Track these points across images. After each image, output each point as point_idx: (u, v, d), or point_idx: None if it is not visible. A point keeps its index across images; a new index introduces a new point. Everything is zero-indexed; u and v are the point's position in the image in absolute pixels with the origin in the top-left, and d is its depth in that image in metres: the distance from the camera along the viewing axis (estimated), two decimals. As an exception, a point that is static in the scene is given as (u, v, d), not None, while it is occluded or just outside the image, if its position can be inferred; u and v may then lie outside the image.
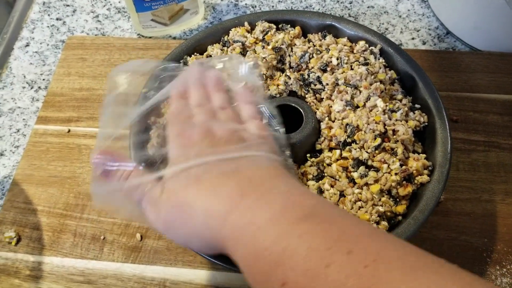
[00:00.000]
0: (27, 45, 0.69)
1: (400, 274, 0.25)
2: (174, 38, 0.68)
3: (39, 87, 0.64)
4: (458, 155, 0.55)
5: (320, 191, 0.45)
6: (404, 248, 0.28)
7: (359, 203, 0.44)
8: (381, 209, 0.43)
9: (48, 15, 0.72)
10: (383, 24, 0.69)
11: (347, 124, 0.46)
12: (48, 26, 0.71)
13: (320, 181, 0.45)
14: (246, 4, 0.71)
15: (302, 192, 0.33)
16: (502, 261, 0.49)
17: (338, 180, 0.45)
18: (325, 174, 0.46)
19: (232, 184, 0.33)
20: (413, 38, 0.67)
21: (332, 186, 0.45)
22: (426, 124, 0.47)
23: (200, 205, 0.33)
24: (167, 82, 0.44)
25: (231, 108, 0.41)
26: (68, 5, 0.73)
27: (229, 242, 0.31)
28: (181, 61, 0.53)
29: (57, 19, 0.72)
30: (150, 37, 0.67)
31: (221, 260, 0.40)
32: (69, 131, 0.58)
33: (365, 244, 0.27)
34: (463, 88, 0.60)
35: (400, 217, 0.44)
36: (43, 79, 0.65)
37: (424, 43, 0.66)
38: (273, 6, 0.71)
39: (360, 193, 0.44)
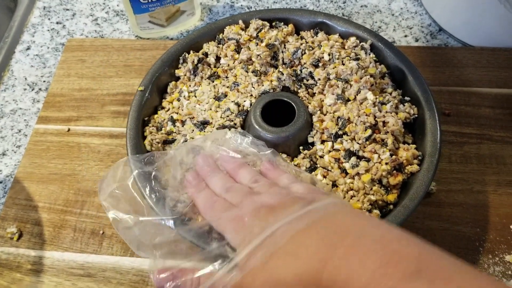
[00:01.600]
0: (28, 48, 0.70)
1: None
2: (171, 39, 0.69)
3: (40, 89, 0.66)
4: (450, 148, 0.56)
5: (313, 183, 0.46)
6: None
7: (351, 193, 0.45)
8: (372, 197, 0.44)
9: (49, 19, 0.74)
10: (376, 22, 0.70)
11: (338, 117, 0.48)
12: (48, 30, 0.72)
13: (313, 172, 0.46)
14: (241, 5, 0.73)
15: (398, 236, 0.29)
16: (495, 250, 0.50)
17: (331, 171, 0.46)
18: (318, 165, 0.47)
19: (316, 238, 0.30)
20: (406, 36, 0.68)
21: (324, 176, 0.46)
22: (416, 116, 0.48)
23: (289, 273, 0.30)
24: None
25: (263, 179, 0.39)
26: (67, 9, 0.75)
27: None
28: (180, 57, 0.54)
29: (57, 22, 0.73)
30: (148, 39, 0.69)
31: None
32: (68, 130, 0.59)
33: None
34: (455, 83, 0.61)
35: (391, 206, 0.45)
36: (44, 81, 0.66)
37: (417, 40, 0.68)
38: (268, 7, 0.72)
39: (352, 183, 0.45)
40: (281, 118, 0.48)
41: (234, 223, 0.35)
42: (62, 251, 0.51)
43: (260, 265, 0.31)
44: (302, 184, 0.38)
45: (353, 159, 0.45)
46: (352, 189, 0.45)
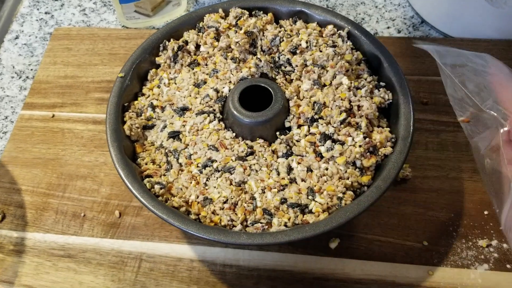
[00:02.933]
0: (17, 37, 0.71)
1: None
2: (157, 29, 0.70)
3: (27, 77, 0.67)
4: (427, 136, 0.57)
5: (290, 168, 0.47)
6: None
7: (324, 178, 0.46)
8: (348, 182, 0.45)
9: (37, 9, 0.75)
10: (359, 14, 0.71)
11: (314, 102, 0.49)
12: (37, 20, 0.73)
13: (289, 158, 0.47)
14: (227, -4, 0.74)
15: None
16: (468, 235, 0.51)
17: (305, 155, 0.47)
18: (293, 152, 0.48)
19: None
20: (388, 27, 0.69)
21: (299, 163, 0.47)
22: (391, 101, 0.49)
23: None
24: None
25: None
26: (56, 0, 0.76)
27: None
28: (161, 45, 0.55)
29: (45, 13, 0.74)
30: (134, 28, 0.70)
31: (193, 229, 0.42)
32: (53, 116, 0.60)
33: None
34: (435, 73, 0.61)
35: (365, 188, 0.46)
36: (31, 69, 0.67)
37: (399, 32, 0.69)
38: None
39: (326, 169, 0.46)
40: (259, 104, 0.49)
41: None
42: (44, 233, 0.52)
43: None
44: None
45: (328, 142, 0.46)
46: (325, 175, 0.46)
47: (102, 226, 0.52)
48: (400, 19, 0.70)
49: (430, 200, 0.53)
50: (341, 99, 0.48)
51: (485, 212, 0.52)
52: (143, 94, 0.53)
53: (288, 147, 0.48)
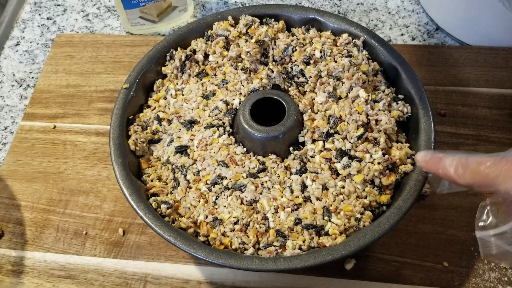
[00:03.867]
0: (18, 44, 0.69)
1: None
2: (163, 35, 0.68)
3: (28, 85, 0.64)
4: (445, 149, 0.54)
5: (304, 186, 0.44)
6: None
7: (341, 197, 0.43)
8: (366, 201, 0.43)
9: (39, 14, 0.72)
10: (372, 20, 0.68)
11: (329, 116, 0.46)
12: (38, 26, 0.71)
13: (304, 175, 0.45)
14: (235, 1, 0.71)
15: None
16: (490, 255, 0.48)
17: (320, 173, 0.45)
18: (307, 168, 0.45)
19: None
20: (402, 34, 0.67)
21: (314, 180, 0.44)
22: (410, 114, 0.47)
23: None
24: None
25: None
26: (59, 5, 0.73)
27: None
28: (167, 54, 0.53)
29: (47, 18, 0.72)
30: (139, 35, 0.67)
31: (202, 254, 0.40)
32: (54, 127, 0.58)
33: None
34: (452, 82, 0.60)
35: (384, 207, 0.43)
36: (32, 77, 0.65)
37: (413, 39, 0.66)
38: (262, 3, 0.71)
39: (343, 187, 0.43)
40: (271, 117, 0.47)
41: None
42: (44, 252, 0.50)
43: None
44: None
45: (345, 159, 0.44)
46: (342, 194, 0.43)
47: (105, 245, 0.50)
48: (414, 26, 0.67)
49: (450, 218, 0.50)
50: (358, 113, 0.45)
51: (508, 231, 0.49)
52: (148, 106, 0.51)
53: (302, 163, 0.45)
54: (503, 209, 0.33)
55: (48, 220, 0.51)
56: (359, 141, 0.44)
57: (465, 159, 0.35)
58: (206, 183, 0.45)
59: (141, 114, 0.50)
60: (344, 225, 0.41)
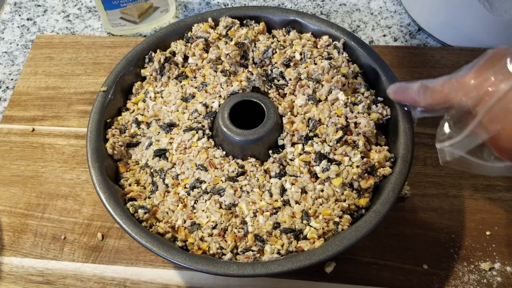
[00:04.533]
0: (-4, 45, 0.68)
1: None
2: (145, 36, 0.67)
3: (7, 87, 0.63)
4: (425, 151, 0.55)
5: (283, 189, 0.44)
6: None
7: (319, 200, 0.43)
8: (345, 204, 0.43)
9: (19, 15, 0.71)
10: (355, 21, 0.68)
11: (309, 119, 0.46)
12: (18, 26, 0.70)
13: (283, 178, 0.45)
14: (218, 2, 0.71)
15: None
16: (470, 257, 0.48)
17: (299, 176, 0.44)
18: (287, 172, 0.45)
19: None
20: (384, 35, 0.67)
21: (293, 184, 0.44)
22: (389, 117, 0.47)
23: None
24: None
25: None
26: (39, 5, 0.72)
27: None
28: (146, 56, 0.52)
29: (27, 19, 0.71)
30: (120, 36, 0.67)
31: (180, 259, 0.39)
32: (33, 130, 0.57)
33: None
34: (433, 84, 0.60)
35: (363, 210, 0.43)
36: (12, 79, 0.64)
37: (395, 40, 0.66)
38: (245, 5, 0.71)
39: (322, 190, 0.43)
40: (251, 120, 0.47)
41: None
42: (22, 257, 0.49)
43: None
44: None
45: (324, 162, 0.43)
46: (321, 197, 0.43)
47: (83, 250, 0.49)
48: (397, 27, 0.68)
49: (430, 220, 0.50)
50: (337, 116, 0.45)
51: (487, 233, 0.50)
52: (127, 109, 0.50)
53: (281, 166, 0.45)
54: (457, 120, 0.38)
55: (26, 224, 0.51)
56: (338, 144, 0.44)
57: (425, 83, 0.40)
58: (185, 187, 0.45)
59: (119, 117, 0.49)
60: (323, 228, 0.41)
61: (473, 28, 0.62)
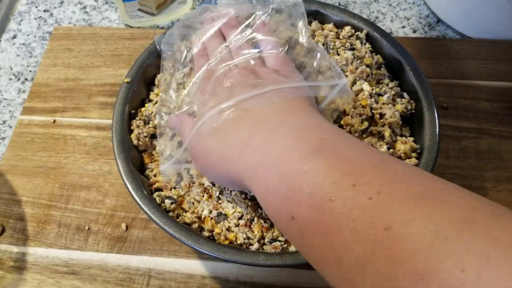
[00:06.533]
0: (14, 37, 0.68)
1: (402, 205, 0.25)
2: (162, 28, 0.67)
3: (26, 79, 0.63)
4: (448, 142, 0.54)
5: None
6: (411, 178, 0.28)
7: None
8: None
9: (36, 7, 0.71)
10: (373, 12, 0.68)
11: (333, 109, 0.46)
12: (35, 18, 0.70)
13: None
14: (235, -6, 0.71)
15: (311, 126, 0.33)
16: (493, 248, 0.48)
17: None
18: None
19: (242, 126, 0.35)
20: (403, 27, 0.66)
21: None
22: (414, 111, 0.47)
23: (218, 151, 0.36)
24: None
25: (248, 43, 0.43)
26: (55, -3, 0.72)
27: (246, 181, 0.34)
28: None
29: (44, 10, 0.71)
30: (137, 27, 0.67)
31: (208, 249, 0.39)
32: (54, 121, 0.57)
33: (371, 176, 0.28)
34: (453, 75, 0.60)
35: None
36: (30, 71, 0.64)
37: (414, 32, 0.66)
38: (262, -4, 0.70)
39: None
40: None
41: (200, 94, 0.41)
42: (46, 247, 0.49)
43: (202, 138, 0.38)
44: (276, 57, 0.42)
45: (348, 153, 0.43)
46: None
47: (108, 240, 0.49)
48: (415, 18, 0.67)
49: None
50: (362, 107, 0.45)
51: (510, 224, 0.49)
52: (150, 100, 0.51)
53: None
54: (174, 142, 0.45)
55: (50, 215, 0.51)
56: (364, 135, 0.44)
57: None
58: (210, 178, 0.45)
59: (143, 109, 0.49)
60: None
61: (493, 20, 0.62)
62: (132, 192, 0.42)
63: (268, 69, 0.41)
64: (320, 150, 0.30)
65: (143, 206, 0.41)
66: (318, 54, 0.42)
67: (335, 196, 0.27)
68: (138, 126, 0.47)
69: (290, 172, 0.30)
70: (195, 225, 0.42)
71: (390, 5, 0.69)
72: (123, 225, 0.50)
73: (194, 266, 0.48)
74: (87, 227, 0.50)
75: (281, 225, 0.31)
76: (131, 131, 0.47)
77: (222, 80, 0.40)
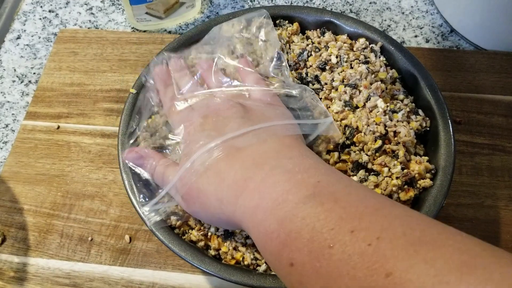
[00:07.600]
0: (18, 37, 0.67)
1: (402, 250, 0.25)
2: (169, 32, 0.66)
3: (30, 81, 0.62)
4: (460, 158, 0.53)
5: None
6: (410, 223, 0.27)
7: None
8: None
9: (41, 7, 0.70)
10: (385, 20, 0.66)
11: (346, 126, 0.44)
12: (40, 18, 0.69)
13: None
14: (244, -2, 0.69)
15: (307, 168, 0.33)
16: (505, 269, 0.47)
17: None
18: None
19: (236, 167, 0.35)
20: (416, 36, 0.65)
21: None
22: (428, 128, 0.45)
23: (212, 193, 0.35)
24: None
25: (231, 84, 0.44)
26: (61, -3, 0.71)
27: (243, 225, 0.33)
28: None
29: (49, 11, 0.69)
30: (144, 31, 0.65)
31: (214, 270, 0.38)
32: (58, 127, 0.56)
33: (369, 221, 0.27)
34: (467, 89, 0.58)
35: (400, 224, 0.42)
36: (34, 73, 0.63)
37: (427, 41, 0.64)
38: (272, 1, 0.69)
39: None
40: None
41: (185, 133, 0.41)
42: (48, 258, 0.48)
43: (195, 178, 0.37)
44: (262, 91, 0.42)
45: (361, 172, 0.42)
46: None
47: (111, 252, 0.48)
48: (428, 27, 0.66)
49: (465, 231, 0.48)
50: (376, 124, 0.44)
51: (523, 245, 0.48)
52: (157, 112, 0.49)
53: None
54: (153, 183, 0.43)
55: (52, 225, 0.50)
56: (377, 154, 0.43)
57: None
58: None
59: (149, 120, 0.48)
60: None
61: (509, 32, 0.60)
62: (138, 208, 0.41)
63: (255, 102, 0.41)
64: (317, 194, 0.30)
65: (148, 224, 0.40)
66: (306, 93, 0.43)
67: (334, 242, 0.27)
68: (144, 139, 0.46)
69: (288, 218, 0.30)
70: (201, 243, 0.41)
71: (403, 13, 0.67)
72: (127, 237, 0.49)
73: (199, 281, 0.47)
74: (90, 238, 0.49)
75: (280, 271, 0.31)
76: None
77: (208, 115, 0.39)
